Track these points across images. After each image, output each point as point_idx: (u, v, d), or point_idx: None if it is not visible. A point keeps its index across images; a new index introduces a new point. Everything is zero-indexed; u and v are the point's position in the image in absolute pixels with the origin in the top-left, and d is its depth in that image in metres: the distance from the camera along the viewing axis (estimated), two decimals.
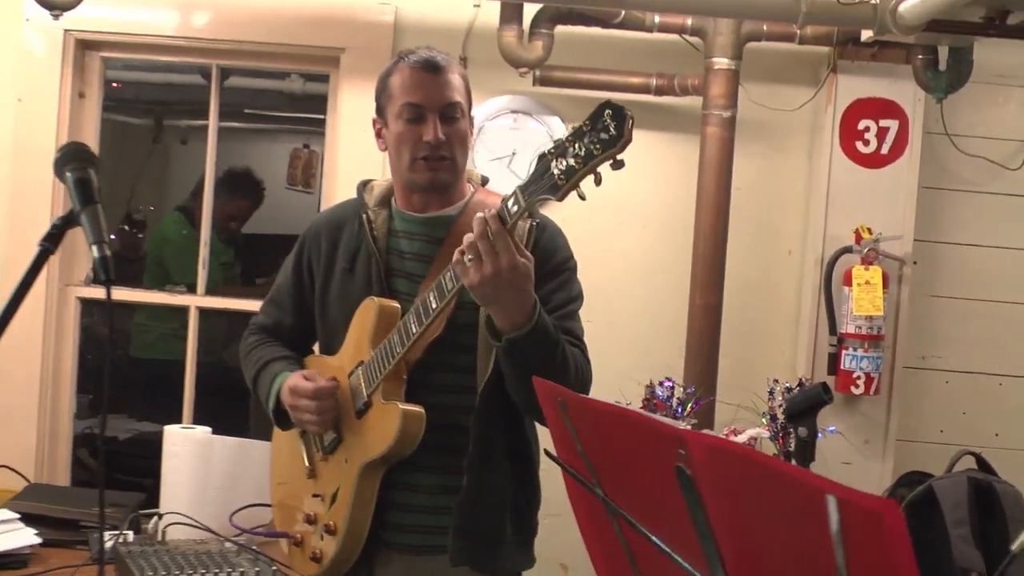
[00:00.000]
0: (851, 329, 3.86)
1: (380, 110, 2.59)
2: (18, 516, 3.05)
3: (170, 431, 3.33)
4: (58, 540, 3.04)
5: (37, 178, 4.04)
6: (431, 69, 2.51)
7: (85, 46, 4.16)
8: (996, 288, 4.14)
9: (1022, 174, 4.09)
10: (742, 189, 3.97)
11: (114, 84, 5.40)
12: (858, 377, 3.84)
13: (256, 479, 3.14)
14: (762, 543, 1.30)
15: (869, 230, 3.87)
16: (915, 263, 4.01)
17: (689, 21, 3.86)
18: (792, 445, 2.24)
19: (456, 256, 2.24)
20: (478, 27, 4.00)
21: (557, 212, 2.74)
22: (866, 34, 3.75)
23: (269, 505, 2.94)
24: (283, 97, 6.41)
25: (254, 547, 2.92)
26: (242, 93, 6.15)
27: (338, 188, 4.05)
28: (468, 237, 2.21)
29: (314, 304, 2.69)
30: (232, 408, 5.04)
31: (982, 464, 3.26)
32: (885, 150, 3.97)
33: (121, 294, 4.33)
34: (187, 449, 3.27)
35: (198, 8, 4.10)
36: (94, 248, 1.73)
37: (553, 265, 2.50)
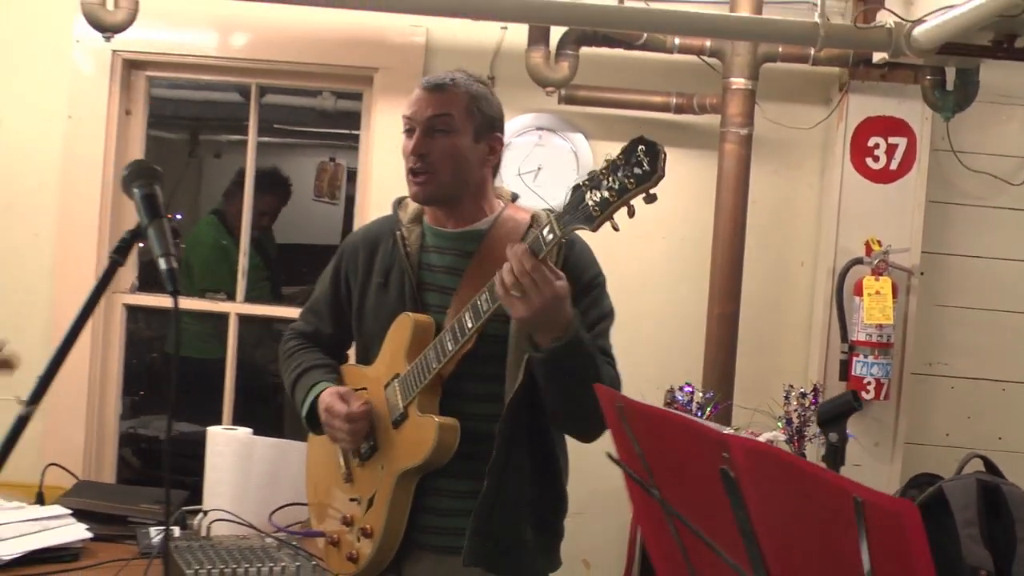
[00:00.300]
0: (862, 337, 3.86)
1: None
2: (70, 512, 3.08)
3: (213, 432, 3.36)
4: (107, 535, 3.07)
5: (86, 190, 4.09)
6: (430, 87, 2.51)
7: (131, 65, 4.19)
8: (999, 298, 4.15)
9: None
10: (757, 203, 3.98)
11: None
12: (868, 383, 3.84)
13: (294, 478, 3.17)
14: (797, 541, 1.32)
15: (879, 242, 3.88)
16: (922, 274, 4.02)
17: (708, 43, 3.88)
18: (822, 450, 2.25)
19: (499, 291, 2.24)
20: (505, 48, 4.03)
21: None
22: (878, 56, 3.76)
23: (306, 504, 2.97)
24: (313, 113, 6.45)
25: (294, 543, 2.95)
26: (275, 109, 6.18)
27: (371, 201, 4.09)
28: (508, 271, 2.21)
29: (351, 316, 2.70)
30: (263, 407, 5.08)
31: (989, 467, 3.26)
32: (894, 166, 3.98)
33: (166, 301, 4.37)
34: (230, 449, 3.30)
35: (238, 29, 4.13)
36: (161, 260, 1.74)
37: (584, 283, 2.48)
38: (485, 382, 2.46)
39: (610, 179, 2.08)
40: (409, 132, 2.52)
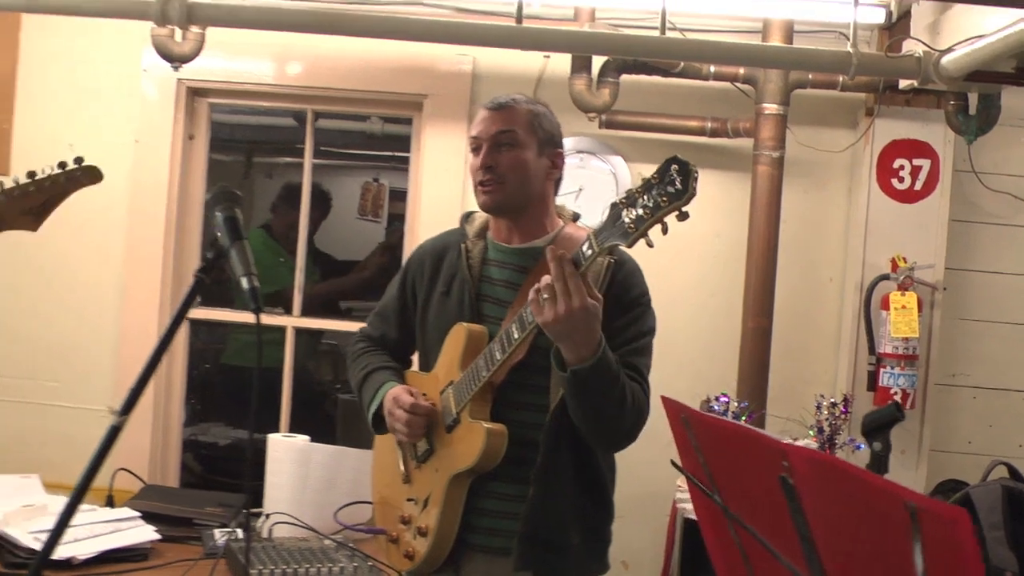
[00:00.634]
0: (888, 349, 3.86)
1: None
2: (139, 514, 3.10)
3: (273, 439, 3.38)
4: (174, 536, 3.08)
5: (152, 210, 4.14)
6: (494, 107, 2.55)
7: (195, 93, 4.24)
8: (1019, 312, 4.13)
9: None
10: (788, 222, 3.98)
11: None
12: (895, 393, 3.83)
13: (348, 482, 3.19)
14: (853, 545, 1.32)
15: (904, 259, 3.88)
16: (946, 289, 4.00)
17: (741, 70, 3.89)
18: (853, 456, 2.25)
19: (532, 295, 2.25)
20: (548, 76, 4.05)
21: None
22: (904, 82, 3.76)
23: (365, 503, 2.99)
24: (361, 136, 6.49)
25: (351, 544, 2.96)
26: (323, 132, 6.22)
27: (420, 219, 4.12)
28: (545, 278, 2.22)
29: (415, 323, 2.72)
30: (315, 412, 5.09)
31: (1013, 473, 3.25)
32: (918, 186, 3.98)
33: (223, 315, 4.41)
34: (289, 455, 3.31)
35: (294, 59, 4.18)
36: (243, 280, 1.76)
37: (628, 301, 2.48)
38: (534, 392, 2.46)
39: (645, 197, 2.09)
40: (476, 150, 2.55)
